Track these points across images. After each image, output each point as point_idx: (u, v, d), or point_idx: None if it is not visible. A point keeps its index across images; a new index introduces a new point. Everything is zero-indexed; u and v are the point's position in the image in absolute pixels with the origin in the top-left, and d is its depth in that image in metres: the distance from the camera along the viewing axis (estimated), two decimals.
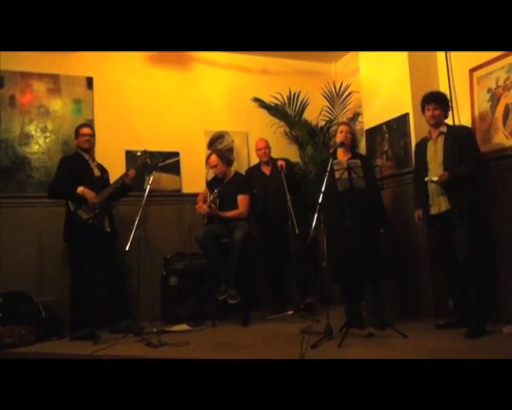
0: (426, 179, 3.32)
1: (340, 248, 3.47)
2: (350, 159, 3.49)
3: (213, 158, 4.23)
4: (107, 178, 4.05)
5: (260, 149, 4.55)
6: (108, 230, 3.88)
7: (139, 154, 4.08)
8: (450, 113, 3.49)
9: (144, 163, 4.11)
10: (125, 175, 3.96)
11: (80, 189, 3.72)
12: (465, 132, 3.36)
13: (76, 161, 3.92)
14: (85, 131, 3.96)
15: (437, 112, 3.33)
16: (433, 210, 3.37)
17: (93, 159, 4.03)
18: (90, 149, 4.00)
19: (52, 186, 3.86)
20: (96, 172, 3.98)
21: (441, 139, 3.34)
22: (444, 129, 3.36)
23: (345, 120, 4.84)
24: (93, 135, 4.01)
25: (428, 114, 3.36)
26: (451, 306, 3.49)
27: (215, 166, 4.22)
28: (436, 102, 3.34)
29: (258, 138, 4.65)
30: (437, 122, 3.35)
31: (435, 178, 3.24)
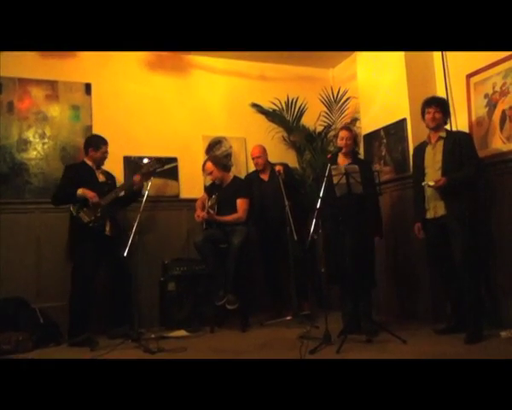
0: (423, 184, 3.33)
1: (336, 253, 3.46)
2: (350, 164, 3.49)
3: (209, 165, 4.25)
4: (113, 184, 4.05)
5: (254, 159, 4.56)
6: (108, 234, 3.86)
7: (146, 161, 4.06)
8: (449, 119, 3.51)
9: (150, 172, 4.03)
10: (131, 182, 3.96)
11: (80, 190, 3.74)
12: (464, 138, 3.36)
13: (80, 168, 3.96)
14: (107, 149, 3.99)
15: (437, 115, 3.34)
16: (429, 214, 3.38)
17: (97, 166, 4.02)
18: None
19: (55, 193, 3.89)
20: (101, 178, 3.99)
21: (440, 144, 3.35)
22: (443, 134, 3.37)
23: (344, 124, 4.79)
24: None
25: (429, 117, 3.37)
26: (449, 311, 3.49)
27: (211, 173, 4.24)
28: (436, 106, 3.35)
29: (254, 146, 4.63)
30: (437, 126, 3.36)
31: (432, 183, 3.25)
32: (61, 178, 3.94)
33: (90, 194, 3.75)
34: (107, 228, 3.86)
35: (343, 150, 3.57)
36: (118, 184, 4.12)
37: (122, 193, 4.01)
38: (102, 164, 4.05)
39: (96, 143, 3.98)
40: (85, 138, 4.12)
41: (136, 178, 3.97)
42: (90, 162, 3.98)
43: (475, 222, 3.26)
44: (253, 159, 4.58)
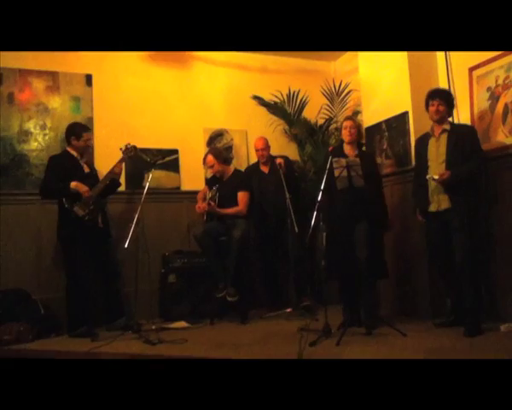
0: (427, 177, 3.31)
1: (338, 247, 3.45)
2: (356, 156, 3.48)
3: (210, 158, 4.22)
4: (97, 175, 4.02)
5: (258, 151, 4.54)
6: (101, 226, 3.82)
7: (123, 148, 3.97)
8: (453, 111, 3.50)
9: (130, 157, 4.01)
10: (112, 171, 3.88)
11: (73, 183, 3.68)
12: (468, 131, 3.35)
13: (65, 159, 3.87)
14: (89, 136, 3.94)
15: (441, 108, 3.31)
16: (432, 207, 3.36)
17: (81, 156, 3.93)
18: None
19: (44, 186, 3.81)
20: (86, 169, 3.94)
21: (444, 137, 3.33)
22: (447, 126, 3.35)
23: (346, 115, 4.76)
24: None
25: (432, 109, 3.34)
26: (449, 305, 3.49)
27: (212, 166, 4.23)
28: (441, 98, 3.33)
29: (257, 137, 4.61)
30: (441, 118, 3.33)
31: (436, 177, 3.23)
32: (47, 169, 3.85)
33: (83, 188, 3.68)
34: (100, 220, 3.82)
35: (348, 140, 3.56)
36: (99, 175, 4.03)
37: (107, 182, 3.91)
38: (87, 153, 4.00)
39: (77, 132, 3.86)
40: (66, 127, 3.98)
41: (117, 167, 3.89)
42: (73, 152, 3.87)
43: (477, 218, 3.24)
44: (257, 151, 4.55)
